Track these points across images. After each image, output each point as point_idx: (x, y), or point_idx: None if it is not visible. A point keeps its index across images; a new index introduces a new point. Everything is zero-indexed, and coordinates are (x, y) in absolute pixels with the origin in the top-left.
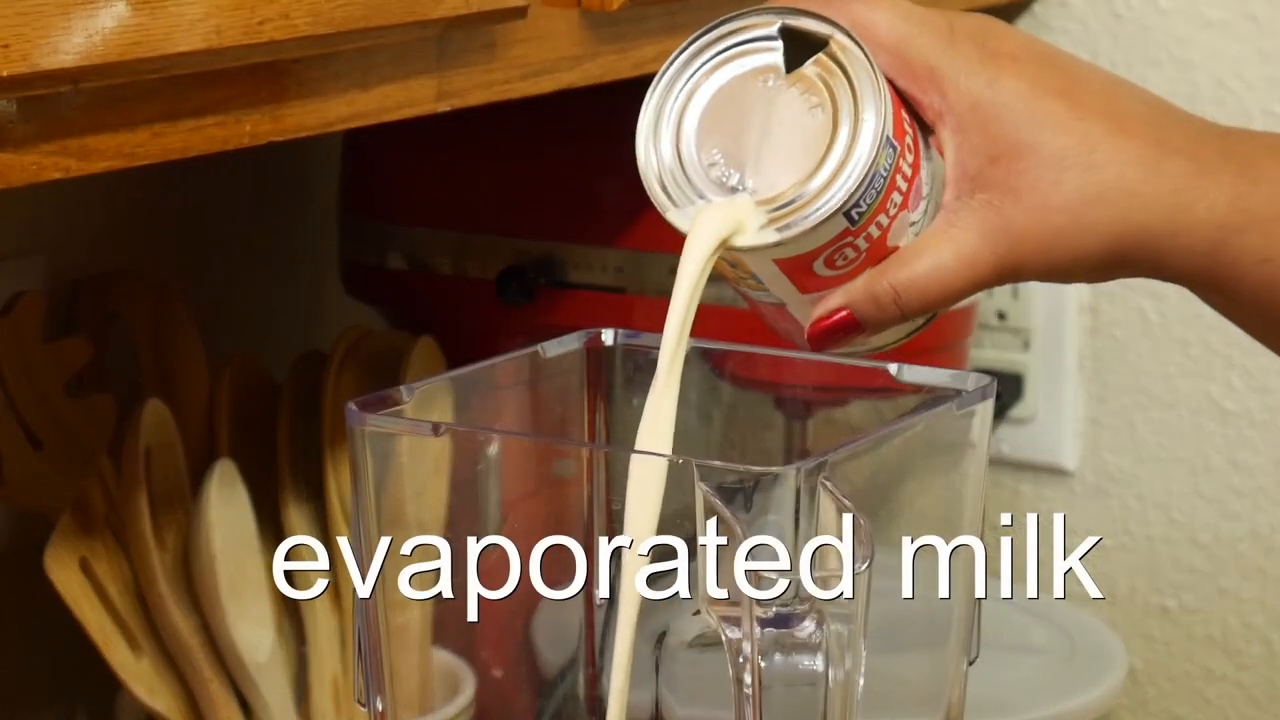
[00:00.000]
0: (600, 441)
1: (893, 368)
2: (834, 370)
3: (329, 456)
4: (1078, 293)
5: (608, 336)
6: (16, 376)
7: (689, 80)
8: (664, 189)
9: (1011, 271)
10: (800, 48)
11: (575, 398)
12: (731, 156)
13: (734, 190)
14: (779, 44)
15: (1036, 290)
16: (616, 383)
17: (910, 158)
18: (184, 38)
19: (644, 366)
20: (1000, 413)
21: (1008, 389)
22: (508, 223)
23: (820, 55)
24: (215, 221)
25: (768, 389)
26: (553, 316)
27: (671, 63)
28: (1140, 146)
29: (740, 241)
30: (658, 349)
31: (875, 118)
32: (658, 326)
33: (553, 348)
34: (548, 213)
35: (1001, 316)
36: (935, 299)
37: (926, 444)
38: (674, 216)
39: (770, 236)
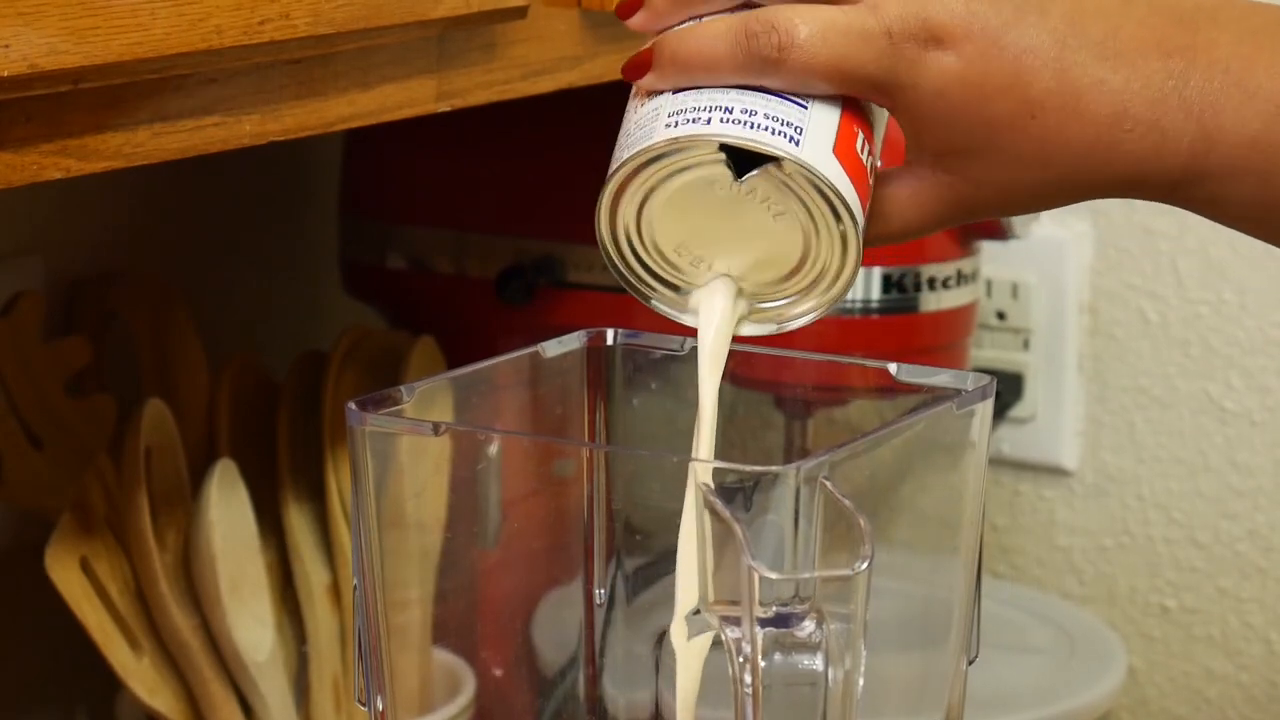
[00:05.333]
0: (600, 441)
1: (893, 368)
2: (834, 370)
3: (329, 456)
4: (1078, 292)
5: (608, 336)
6: (16, 376)
7: (640, 190)
8: (632, 284)
9: (970, 220)
10: (746, 159)
11: (575, 398)
12: (702, 253)
13: (708, 272)
14: (721, 158)
15: (1036, 290)
16: (616, 383)
17: (870, 178)
18: (184, 38)
19: (644, 366)
20: (1000, 413)
21: (1008, 389)
22: (507, 223)
23: (769, 167)
24: (215, 221)
25: (768, 389)
26: (553, 316)
27: (615, 172)
28: (1097, 131)
29: (742, 331)
30: (658, 349)
31: (852, 240)
32: (657, 326)
33: (553, 348)
34: (548, 213)
35: (1001, 316)
36: (901, 244)
37: (926, 444)
38: (663, 307)
39: (769, 329)
